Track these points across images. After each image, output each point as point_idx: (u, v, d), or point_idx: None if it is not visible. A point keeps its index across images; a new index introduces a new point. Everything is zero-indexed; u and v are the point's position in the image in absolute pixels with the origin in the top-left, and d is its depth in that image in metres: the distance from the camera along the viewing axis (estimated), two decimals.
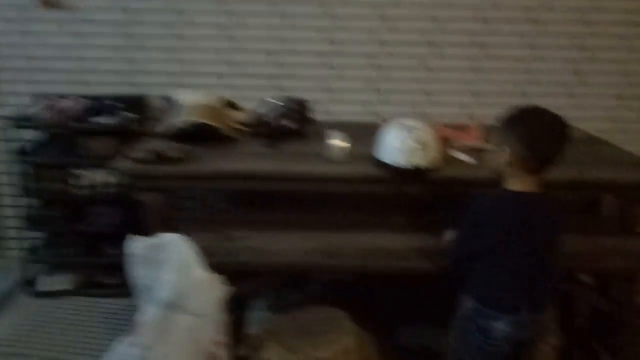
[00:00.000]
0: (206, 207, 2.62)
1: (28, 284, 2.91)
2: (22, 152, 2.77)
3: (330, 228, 2.06)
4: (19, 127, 2.75)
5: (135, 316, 1.75)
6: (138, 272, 1.70)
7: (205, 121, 2.33)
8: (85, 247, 2.89)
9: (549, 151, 1.56)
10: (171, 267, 1.59)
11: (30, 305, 2.82)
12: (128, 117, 2.75)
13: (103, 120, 2.69)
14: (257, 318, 2.24)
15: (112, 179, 2.70)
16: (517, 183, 1.59)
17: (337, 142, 2.08)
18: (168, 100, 2.88)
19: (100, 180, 2.73)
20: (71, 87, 2.99)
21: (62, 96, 2.84)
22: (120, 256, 2.80)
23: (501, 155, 1.60)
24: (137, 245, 1.71)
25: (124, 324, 2.61)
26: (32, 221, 2.81)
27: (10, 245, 3.29)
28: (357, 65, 2.97)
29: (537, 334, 1.63)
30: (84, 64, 2.98)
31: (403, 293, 2.20)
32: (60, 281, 2.87)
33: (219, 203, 2.37)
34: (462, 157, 2.15)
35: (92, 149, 2.71)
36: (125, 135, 2.70)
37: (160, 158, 2.12)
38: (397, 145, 1.94)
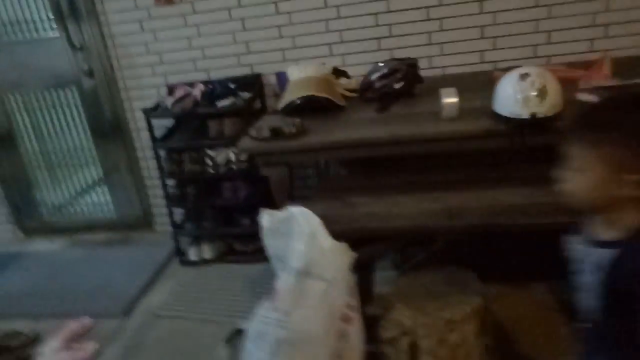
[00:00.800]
0: (325, 177, 2.72)
1: (178, 255, 3.23)
2: (160, 139, 3.05)
3: (449, 188, 2.05)
4: (156, 116, 3.02)
5: (273, 281, 1.90)
6: (270, 243, 1.84)
7: (313, 93, 2.40)
8: (223, 220, 3.14)
9: None
10: (300, 238, 1.70)
11: (182, 273, 3.15)
12: (246, 97, 2.90)
13: (225, 102, 2.86)
14: (384, 278, 2.33)
15: (240, 156, 2.88)
16: None
17: (448, 98, 2.04)
18: (280, 76, 3.00)
19: (230, 158, 2.92)
20: (195, 74, 3.22)
21: (188, 84, 3.07)
22: (252, 226, 3.03)
23: (589, 181, 1.04)
24: (267, 219, 1.84)
25: (261, 287, 2.83)
26: (175, 199, 3.10)
27: (161, 221, 3.67)
28: (465, 13, 2.84)
29: None
30: (204, 51, 3.16)
31: (528, 249, 2.14)
32: (204, 251, 3.15)
33: (337, 172, 2.45)
34: (589, 98, 2.00)
35: (218, 129, 2.90)
36: (246, 114, 2.86)
37: (276, 134, 2.23)
38: (513, 95, 1.87)
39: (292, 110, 2.43)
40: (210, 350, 2.45)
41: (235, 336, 2.41)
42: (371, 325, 1.80)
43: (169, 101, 2.97)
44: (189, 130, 3.12)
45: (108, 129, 3.47)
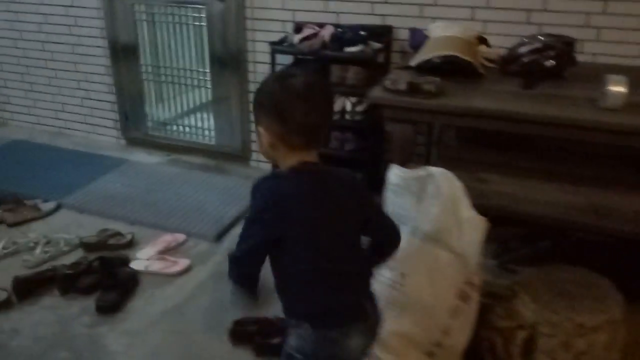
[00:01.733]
0: (445, 145, 2.59)
1: None
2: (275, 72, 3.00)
3: (598, 184, 1.87)
4: (281, 51, 2.96)
5: None
6: (393, 200, 1.75)
7: (457, 54, 2.26)
8: None
9: (307, 121, 1.25)
10: (436, 201, 1.60)
11: None
12: (376, 47, 2.78)
13: (354, 49, 2.75)
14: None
15: (358, 107, 2.79)
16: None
17: (615, 87, 1.85)
18: (414, 33, 2.85)
19: (345, 107, 2.83)
20: (324, 15, 3.12)
21: (318, 24, 2.98)
22: None
23: (261, 137, 1.31)
24: (396, 174, 1.75)
25: None
26: None
27: (257, 158, 3.68)
28: None
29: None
30: None
31: None
32: None
33: (467, 142, 2.31)
34: None
35: (340, 76, 2.81)
36: (372, 65, 2.75)
37: (414, 90, 2.11)
38: None
39: (427, 68, 2.30)
40: None
41: None
42: (483, 309, 1.70)
43: (296, 38, 2.90)
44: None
45: (227, 55, 3.46)
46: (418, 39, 2.80)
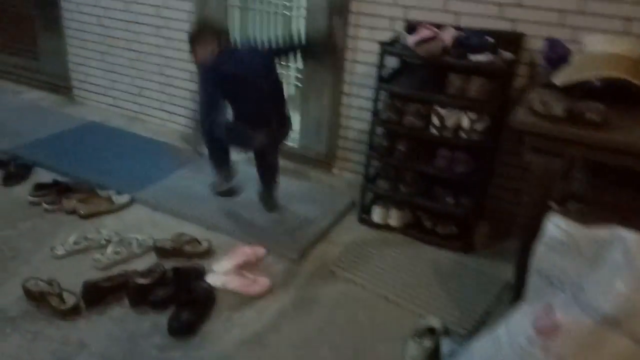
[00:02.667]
0: (596, 186, 2.17)
1: (361, 210, 2.89)
2: (384, 79, 2.66)
3: None
4: (393, 53, 2.62)
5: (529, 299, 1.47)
6: (552, 258, 1.39)
7: (628, 78, 1.85)
8: (423, 189, 2.73)
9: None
10: (624, 274, 1.23)
11: (359, 231, 2.81)
12: (508, 58, 2.40)
13: (481, 57, 2.38)
14: None
15: (478, 124, 2.42)
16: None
17: None
18: (553, 44, 2.44)
19: (462, 123, 2.46)
20: (441, 15, 2.76)
21: (435, 25, 2.62)
22: (456, 206, 2.59)
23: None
24: (558, 227, 1.38)
25: (455, 283, 2.42)
26: (376, 149, 2.73)
27: (341, 166, 3.36)
28: None
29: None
30: None
31: None
32: (392, 216, 2.77)
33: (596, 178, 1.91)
34: None
35: (460, 87, 2.44)
36: (501, 78, 2.38)
37: (574, 118, 1.74)
38: None
39: (580, 90, 1.91)
40: (392, 336, 2.10)
41: (426, 334, 2.03)
42: None
43: (410, 40, 2.55)
44: (415, 78, 2.70)
45: (322, 46, 3.13)
46: (557, 51, 2.40)
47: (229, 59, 2.55)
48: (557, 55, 2.38)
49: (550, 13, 2.53)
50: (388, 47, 2.59)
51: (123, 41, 3.87)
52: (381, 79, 2.65)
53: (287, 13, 3.28)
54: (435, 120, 2.53)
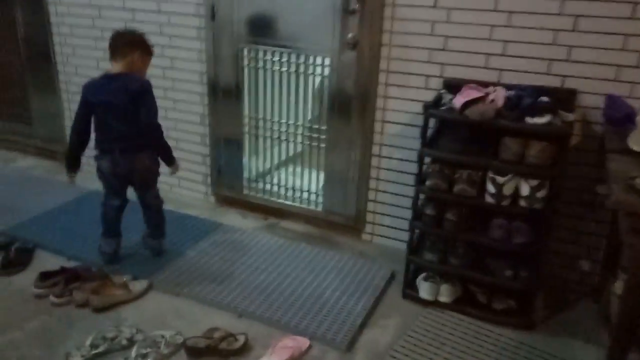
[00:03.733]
0: None
1: (405, 284, 2.63)
2: (428, 143, 2.44)
3: None
4: (432, 116, 2.41)
5: None
6: None
7: None
8: (476, 260, 2.48)
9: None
10: None
11: (406, 309, 2.55)
12: (569, 119, 2.20)
13: (540, 119, 2.18)
14: None
15: (539, 192, 2.20)
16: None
17: None
18: (613, 101, 2.27)
19: (521, 190, 2.24)
20: (482, 73, 2.58)
21: (478, 83, 2.43)
22: (515, 281, 2.34)
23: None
24: None
25: None
26: (422, 219, 2.49)
27: (372, 231, 3.11)
28: None
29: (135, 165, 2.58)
30: (506, 47, 2.50)
31: None
32: (442, 291, 2.51)
33: None
34: None
35: (519, 153, 2.23)
36: (563, 141, 2.18)
37: None
38: None
39: None
40: None
41: None
42: None
43: (457, 101, 2.34)
44: (458, 139, 2.48)
45: (349, 111, 2.93)
46: (619, 109, 2.22)
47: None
48: (620, 113, 2.20)
49: (605, 68, 2.36)
50: (433, 111, 2.38)
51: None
52: (425, 144, 2.43)
53: (318, 73, 3.06)
54: (490, 187, 2.31)
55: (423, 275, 2.61)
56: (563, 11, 2.37)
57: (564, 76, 2.44)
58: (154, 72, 3.38)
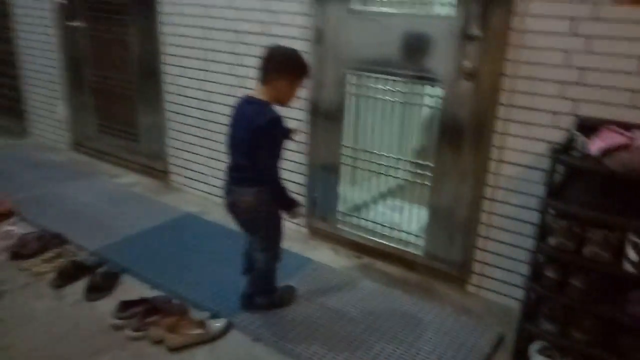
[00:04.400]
0: None
1: (516, 354, 2.24)
2: (552, 190, 2.05)
3: None
4: (561, 162, 2.02)
5: None
6: None
7: None
8: (603, 337, 2.05)
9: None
10: None
11: None
12: None
13: None
14: None
15: None
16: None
17: None
18: None
19: None
20: (627, 111, 2.15)
21: (621, 125, 2.02)
22: None
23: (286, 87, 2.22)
24: None
25: None
26: (541, 281, 2.10)
27: (480, 283, 2.74)
28: None
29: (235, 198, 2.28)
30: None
31: None
32: None
33: None
34: None
35: None
36: None
37: None
38: None
39: None
40: None
41: None
42: None
43: (594, 146, 1.94)
44: (592, 191, 2.06)
45: (462, 146, 2.60)
46: None
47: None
48: None
49: None
50: (563, 156, 2.00)
51: (225, 127, 3.53)
52: (550, 193, 2.05)
53: (427, 104, 2.79)
54: (631, 254, 1.88)
55: (538, 346, 2.21)
56: None
57: None
58: None
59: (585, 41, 2.19)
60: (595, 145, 1.96)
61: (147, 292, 2.60)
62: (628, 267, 1.91)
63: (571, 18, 2.20)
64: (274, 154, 2.23)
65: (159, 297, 2.53)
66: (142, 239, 3.13)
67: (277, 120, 2.16)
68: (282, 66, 2.18)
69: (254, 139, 2.15)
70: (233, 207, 2.31)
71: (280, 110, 2.21)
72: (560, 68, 2.27)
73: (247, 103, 2.23)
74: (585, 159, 1.96)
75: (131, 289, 2.64)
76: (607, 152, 1.91)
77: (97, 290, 2.55)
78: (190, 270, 2.82)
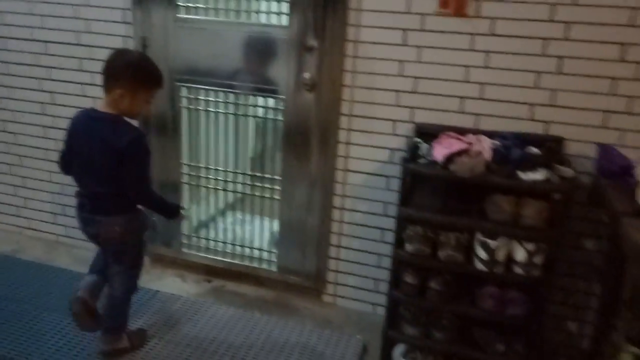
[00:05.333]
0: None
1: (366, 354, 2.28)
2: (405, 199, 2.11)
3: None
4: (417, 174, 2.09)
5: None
6: None
7: None
8: (461, 333, 2.17)
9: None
10: None
11: None
12: (568, 175, 1.94)
13: (535, 175, 1.91)
14: None
15: (536, 257, 1.92)
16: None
17: None
18: (606, 151, 2.05)
19: (516, 256, 1.96)
20: (457, 118, 2.30)
21: (454, 130, 2.15)
22: (507, 355, 2.05)
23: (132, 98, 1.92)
24: None
25: None
26: (401, 288, 2.16)
27: (335, 292, 2.74)
28: None
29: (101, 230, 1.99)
30: (484, 89, 2.24)
31: None
32: None
33: None
34: None
35: (513, 213, 1.95)
36: (562, 200, 1.92)
37: None
38: None
39: None
40: None
41: None
42: None
43: (438, 153, 2.04)
44: (435, 196, 2.17)
45: (306, 156, 2.57)
46: (611, 160, 2.00)
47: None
48: (616, 166, 1.97)
49: (592, 113, 2.15)
50: (412, 166, 2.06)
51: (40, 150, 3.06)
52: (404, 202, 2.11)
53: (270, 117, 2.69)
54: (481, 252, 2.01)
55: (401, 349, 2.28)
56: (545, 52, 2.13)
57: (547, 122, 2.20)
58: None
59: (417, 51, 2.28)
60: (438, 151, 2.05)
61: None
62: (479, 265, 2.03)
63: (403, 29, 2.27)
64: (142, 176, 1.97)
65: None
66: None
67: (138, 139, 1.91)
68: (123, 74, 1.89)
69: (114, 164, 1.89)
70: (97, 238, 2.05)
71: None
72: (396, 77, 2.34)
73: (93, 119, 1.93)
74: (432, 166, 2.04)
75: None
76: (450, 158, 2.01)
77: None
78: (14, 326, 2.38)
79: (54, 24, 2.79)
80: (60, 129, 2.87)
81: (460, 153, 2.02)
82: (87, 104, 2.77)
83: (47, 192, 3.13)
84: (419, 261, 2.10)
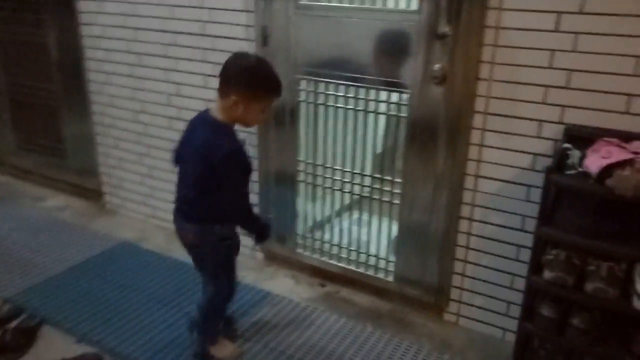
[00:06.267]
0: None
1: None
2: (546, 216, 1.76)
3: None
4: (554, 183, 1.72)
5: None
6: None
7: None
8: None
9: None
10: None
11: None
12: None
13: None
14: None
15: None
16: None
17: None
18: None
19: None
20: (621, 119, 1.88)
21: (618, 135, 1.74)
22: None
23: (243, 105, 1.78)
24: None
25: None
26: (535, 321, 1.81)
27: (458, 311, 2.44)
28: None
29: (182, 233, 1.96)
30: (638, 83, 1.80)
31: None
32: None
33: None
34: None
35: None
36: None
37: None
38: None
39: None
40: None
41: None
42: None
43: (593, 164, 1.65)
44: (585, 215, 1.78)
45: (432, 158, 2.29)
46: None
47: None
48: None
49: None
50: (557, 178, 1.70)
51: (165, 141, 3.10)
52: (545, 220, 1.75)
53: (392, 113, 2.46)
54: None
55: None
56: None
57: None
58: (196, 106, 2.86)
59: (574, 38, 1.89)
60: (593, 161, 1.67)
61: (73, 348, 2.18)
62: (638, 304, 1.63)
63: (557, 12, 1.90)
64: (232, 189, 1.85)
65: (87, 355, 2.12)
66: (68, 278, 2.69)
67: (233, 154, 1.78)
68: (238, 79, 1.76)
69: (201, 174, 1.81)
70: (180, 238, 2.02)
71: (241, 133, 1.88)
72: (545, 70, 1.97)
73: (202, 123, 1.85)
74: (583, 179, 1.67)
75: (53, 344, 2.22)
76: (608, 170, 1.62)
77: (8, 350, 2.11)
78: (126, 316, 2.40)
79: (183, 14, 2.78)
80: (184, 120, 2.86)
81: (621, 165, 1.62)
82: (209, 95, 2.74)
83: (172, 182, 3.16)
84: (559, 292, 1.74)
